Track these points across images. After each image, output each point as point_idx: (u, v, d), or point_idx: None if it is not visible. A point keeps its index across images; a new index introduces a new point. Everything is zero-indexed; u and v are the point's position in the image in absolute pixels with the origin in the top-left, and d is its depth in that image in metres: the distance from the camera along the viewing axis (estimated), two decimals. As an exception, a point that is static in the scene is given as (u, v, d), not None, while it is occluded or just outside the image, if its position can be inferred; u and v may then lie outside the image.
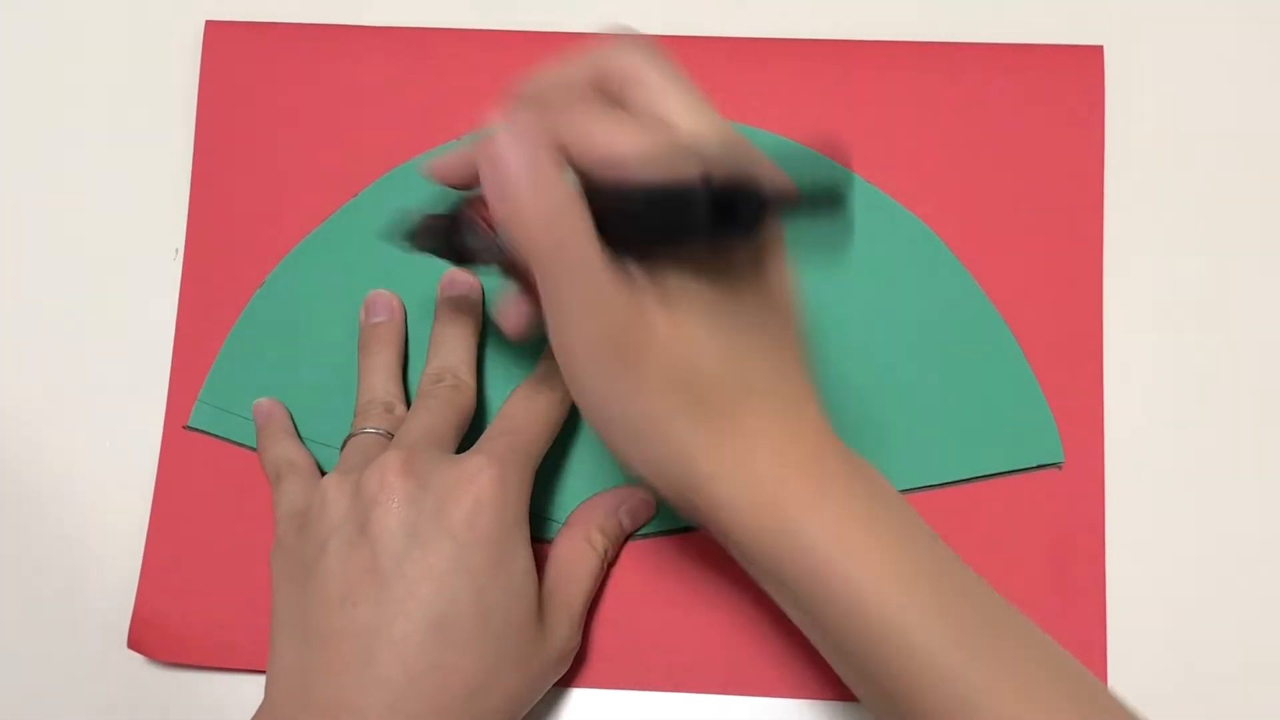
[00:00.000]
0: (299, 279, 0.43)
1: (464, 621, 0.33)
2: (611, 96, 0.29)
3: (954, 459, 0.40)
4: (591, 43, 0.31)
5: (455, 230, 0.34)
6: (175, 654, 0.40)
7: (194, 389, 0.42)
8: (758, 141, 0.43)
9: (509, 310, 0.36)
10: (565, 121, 0.28)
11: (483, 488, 0.34)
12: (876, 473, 0.32)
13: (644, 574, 0.40)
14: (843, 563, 0.29)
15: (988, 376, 0.41)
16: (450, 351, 0.39)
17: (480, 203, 0.33)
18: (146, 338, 0.43)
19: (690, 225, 0.26)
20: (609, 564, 0.40)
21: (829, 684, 0.39)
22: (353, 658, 0.32)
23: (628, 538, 0.40)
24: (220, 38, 0.44)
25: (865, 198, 0.42)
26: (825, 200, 0.26)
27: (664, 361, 0.29)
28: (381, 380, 0.40)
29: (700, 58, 0.43)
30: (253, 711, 0.34)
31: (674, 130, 0.28)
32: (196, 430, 0.42)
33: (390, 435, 0.38)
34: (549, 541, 0.40)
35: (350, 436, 0.39)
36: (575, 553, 0.38)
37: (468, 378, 0.39)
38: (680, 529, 0.41)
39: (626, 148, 0.27)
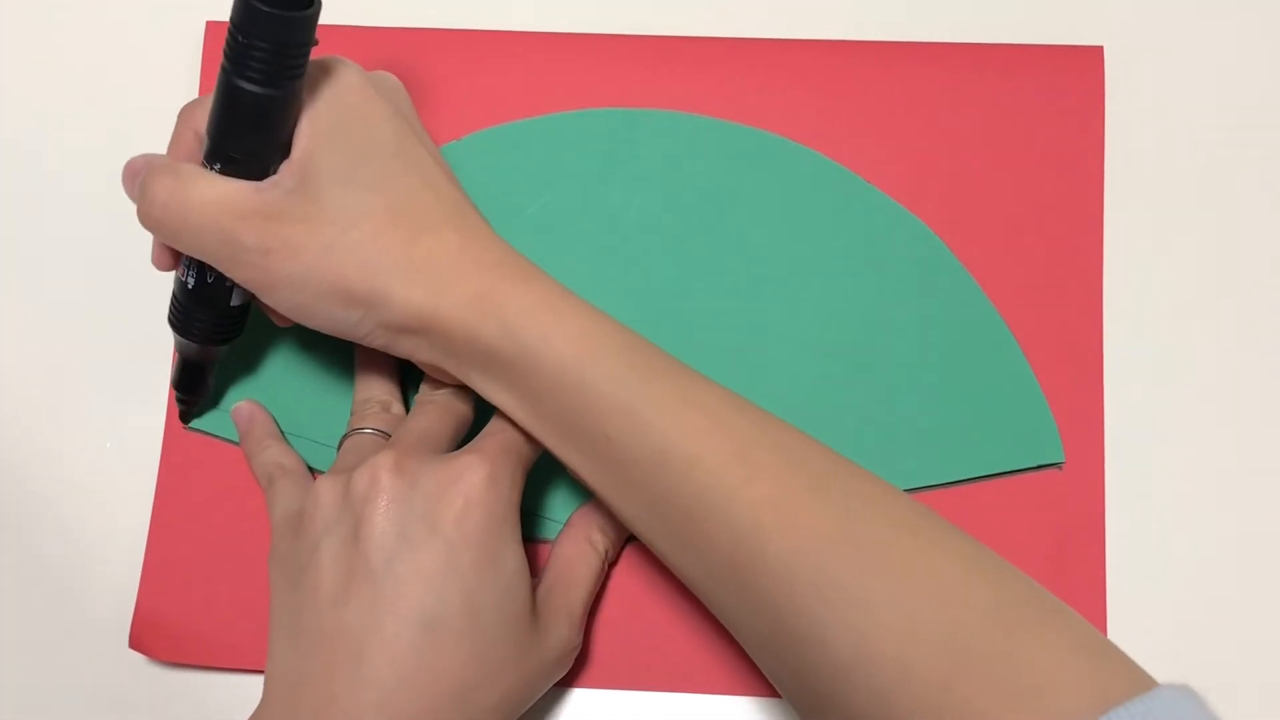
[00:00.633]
0: (299, 279, 0.43)
1: (454, 621, 0.33)
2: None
3: (954, 459, 0.40)
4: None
5: (200, 284, 0.37)
6: (176, 654, 0.40)
7: (194, 389, 0.42)
8: (758, 141, 0.43)
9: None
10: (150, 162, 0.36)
11: (473, 487, 0.34)
12: None
13: (644, 574, 0.40)
14: (543, 332, 0.33)
15: (988, 376, 0.41)
16: None
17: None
18: (146, 338, 0.43)
19: (247, 112, 0.33)
20: (610, 564, 0.40)
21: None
22: (344, 657, 0.32)
23: (629, 538, 0.40)
24: (220, 38, 0.44)
25: (865, 198, 0.42)
26: None
27: (339, 231, 0.33)
28: (379, 379, 0.40)
29: (700, 58, 0.43)
30: (251, 712, 0.34)
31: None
32: (197, 430, 0.42)
33: (387, 435, 0.38)
34: (549, 541, 0.40)
35: (347, 436, 0.39)
36: (576, 553, 0.38)
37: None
38: (680, 529, 0.41)
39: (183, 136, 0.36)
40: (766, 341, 0.41)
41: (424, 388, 0.39)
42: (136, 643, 0.40)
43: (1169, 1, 0.44)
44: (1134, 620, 0.39)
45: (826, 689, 0.30)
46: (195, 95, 0.44)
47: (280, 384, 0.42)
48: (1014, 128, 0.43)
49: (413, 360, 0.36)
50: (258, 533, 0.41)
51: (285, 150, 0.34)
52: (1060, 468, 0.40)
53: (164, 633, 0.40)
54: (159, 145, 0.44)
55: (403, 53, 0.44)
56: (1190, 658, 0.39)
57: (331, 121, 0.34)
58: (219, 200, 0.33)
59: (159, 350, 0.43)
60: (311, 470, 0.40)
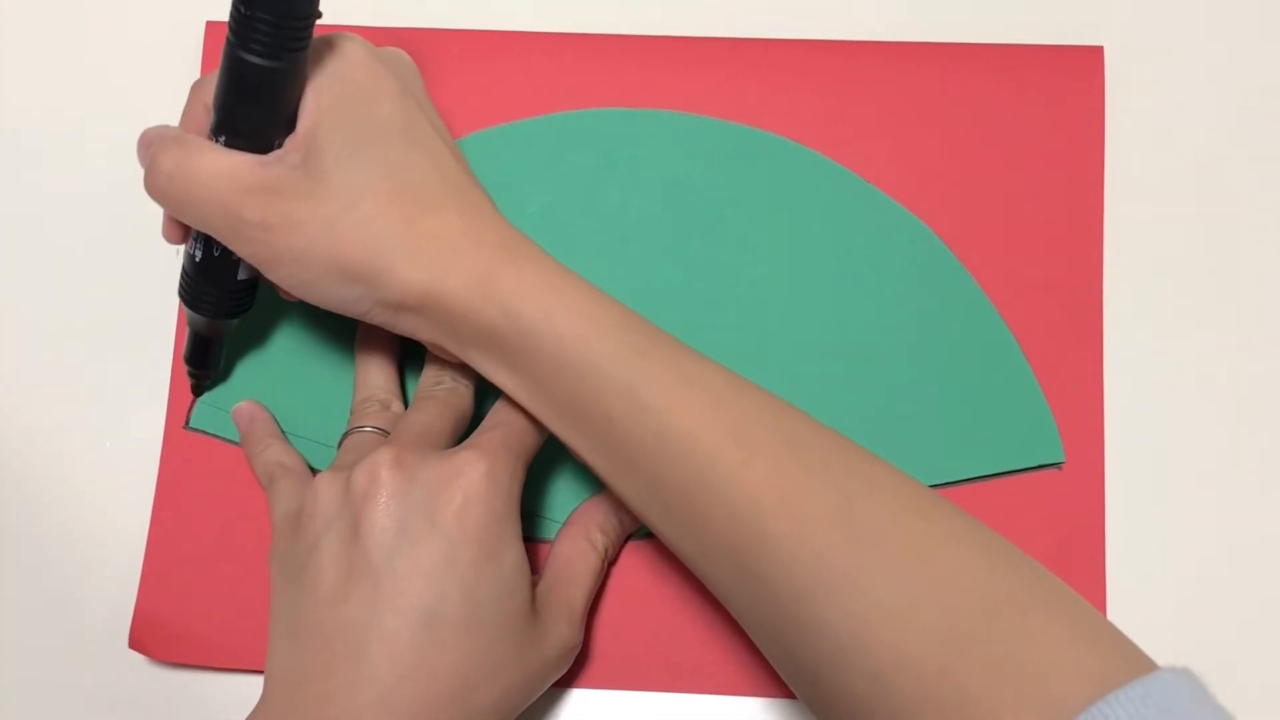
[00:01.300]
0: (299, 279, 0.43)
1: (453, 617, 0.33)
2: None
3: (954, 459, 0.40)
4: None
5: (207, 257, 0.37)
6: (175, 654, 0.40)
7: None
8: (758, 141, 0.43)
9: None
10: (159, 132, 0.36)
11: (472, 483, 0.34)
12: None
13: (644, 574, 0.40)
14: (544, 312, 0.33)
15: (988, 376, 0.41)
16: None
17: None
18: (146, 338, 0.43)
19: (253, 82, 0.33)
20: (610, 563, 0.40)
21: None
22: (343, 654, 0.32)
23: (628, 537, 0.40)
24: (221, 38, 0.44)
25: (865, 198, 0.42)
26: None
27: (341, 208, 0.33)
28: (378, 377, 0.40)
29: (700, 58, 0.43)
30: (251, 710, 0.34)
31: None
32: (197, 430, 0.42)
33: (386, 433, 0.38)
34: (549, 541, 0.40)
35: (347, 434, 0.39)
36: (576, 551, 0.38)
37: (466, 379, 0.39)
38: (680, 529, 0.41)
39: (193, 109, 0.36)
40: (766, 341, 0.41)
41: (423, 383, 0.39)
42: (136, 643, 0.40)
43: (1169, 1, 0.44)
44: (1134, 620, 0.39)
45: (825, 672, 0.30)
46: (195, 95, 0.44)
47: (280, 384, 0.42)
48: (1014, 128, 0.43)
49: (414, 338, 0.36)
50: (257, 533, 0.41)
51: (290, 124, 0.34)
52: (1060, 468, 0.40)
53: (164, 633, 0.40)
54: (159, 145, 0.44)
55: (403, 53, 0.44)
56: (1190, 657, 0.39)
57: (336, 96, 0.34)
58: (223, 173, 0.33)
59: (159, 350, 0.42)
60: (312, 470, 0.40)
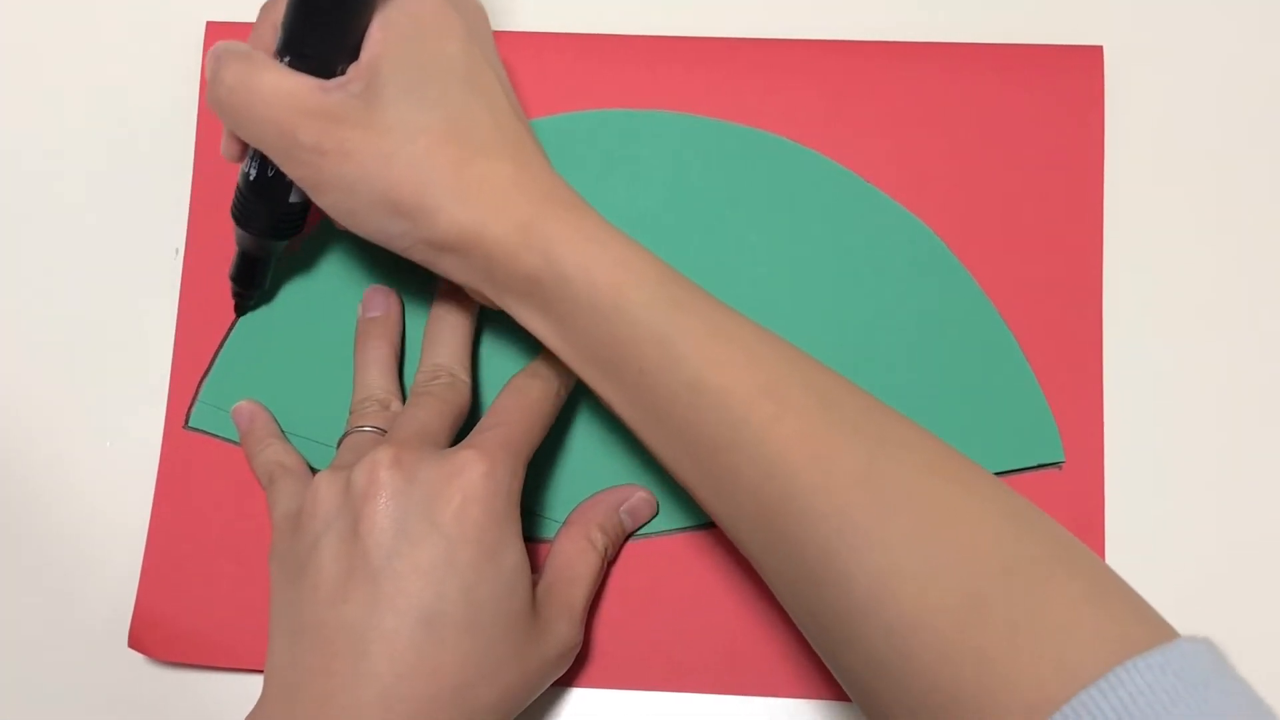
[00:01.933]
0: (299, 278, 0.43)
1: (453, 616, 0.33)
2: None
3: (954, 459, 0.40)
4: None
5: (262, 176, 0.38)
6: (175, 654, 0.40)
7: (194, 388, 0.42)
8: (758, 141, 0.43)
9: None
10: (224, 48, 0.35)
11: (472, 482, 0.34)
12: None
13: (644, 574, 0.40)
14: (583, 261, 0.33)
15: (988, 376, 0.41)
16: (445, 347, 0.39)
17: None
18: (146, 338, 0.43)
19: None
20: (609, 562, 0.40)
21: (829, 684, 0.39)
22: (343, 653, 0.32)
23: (628, 537, 0.40)
24: (221, 38, 0.44)
25: (865, 198, 0.42)
26: None
27: (395, 143, 0.34)
28: (377, 377, 0.40)
29: (700, 58, 0.43)
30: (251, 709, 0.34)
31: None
32: (197, 430, 0.42)
33: (385, 433, 0.38)
34: (548, 540, 0.40)
35: (346, 434, 0.39)
36: (576, 550, 0.38)
37: (463, 374, 0.39)
38: (680, 529, 0.41)
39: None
40: (766, 341, 0.41)
41: (419, 378, 0.39)
42: (136, 642, 0.40)
43: (1169, 1, 0.44)
44: (1134, 620, 0.39)
45: (845, 631, 0.30)
46: (195, 96, 0.44)
47: (280, 384, 0.42)
48: (1014, 128, 0.43)
49: (452, 279, 0.36)
50: (257, 533, 0.41)
51: (354, 53, 0.34)
52: (1060, 468, 0.40)
53: (163, 632, 0.40)
54: (160, 145, 0.44)
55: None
56: (1190, 658, 0.39)
57: (403, 31, 0.34)
58: (283, 93, 0.34)
59: (159, 350, 0.43)
60: (312, 470, 0.40)
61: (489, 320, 0.42)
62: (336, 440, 0.40)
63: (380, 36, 0.34)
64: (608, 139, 0.43)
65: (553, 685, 0.37)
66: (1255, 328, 0.42)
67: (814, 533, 0.30)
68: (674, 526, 0.41)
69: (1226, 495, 0.41)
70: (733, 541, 0.34)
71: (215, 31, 0.44)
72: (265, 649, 0.35)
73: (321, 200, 0.35)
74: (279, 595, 0.35)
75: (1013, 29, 0.44)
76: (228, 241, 0.43)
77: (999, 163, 0.42)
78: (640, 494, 0.40)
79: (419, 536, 0.33)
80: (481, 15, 0.38)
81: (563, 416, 0.41)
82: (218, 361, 0.42)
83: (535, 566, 0.37)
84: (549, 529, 0.40)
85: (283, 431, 0.41)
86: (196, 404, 0.42)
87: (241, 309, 0.42)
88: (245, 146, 0.38)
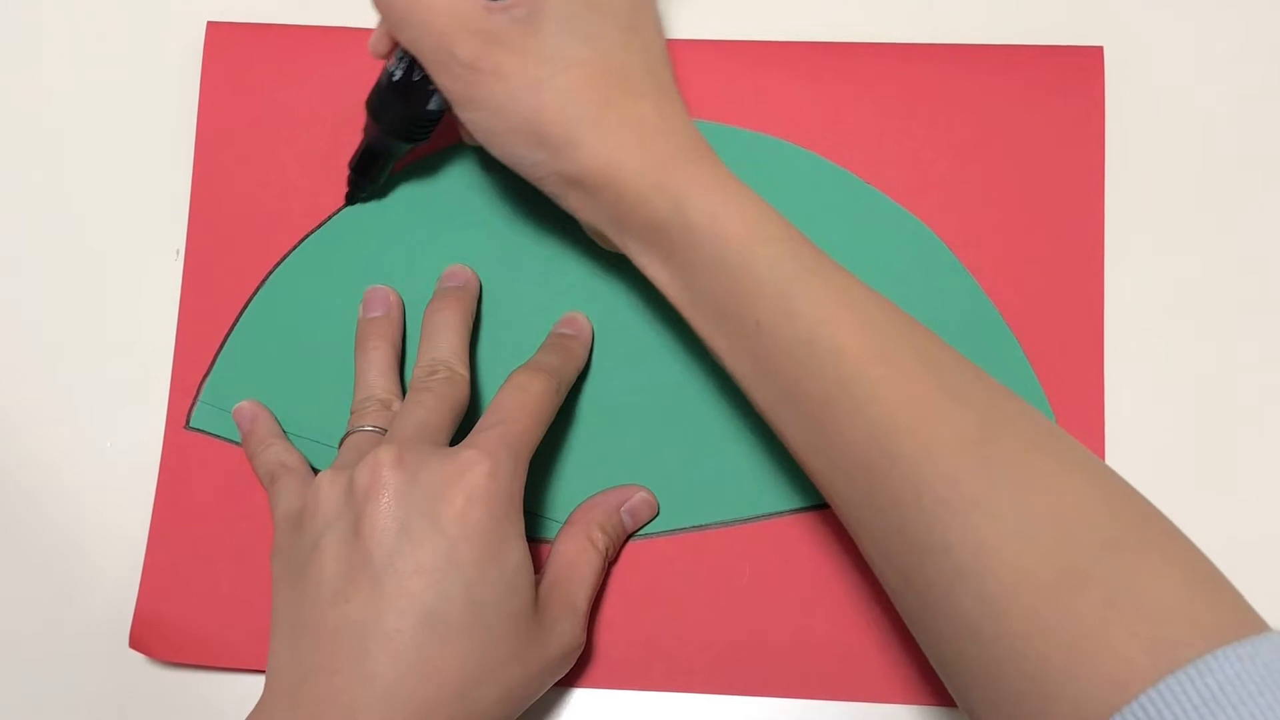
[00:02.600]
0: (299, 279, 0.43)
1: (455, 616, 0.33)
2: None
3: (954, 459, 0.40)
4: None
5: (406, 79, 0.38)
6: (176, 654, 0.40)
7: (194, 389, 0.42)
8: (758, 144, 0.43)
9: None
10: None
11: (474, 482, 0.34)
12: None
13: (644, 574, 0.40)
14: (713, 213, 0.34)
15: (988, 376, 0.41)
16: (443, 342, 0.39)
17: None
18: (146, 338, 0.43)
19: None
20: (611, 562, 0.40)
21: (829, 684, 0.39)
22: (345, 653, 0.32)
23: (629, 537, 0.40)
24: (221, 39, 0.44)
25: (865, 198, 0.42)
26: None
27: (548, 73, 0.35)
28: (378, 377, 0.40)
29: (699, 60, 0.43)
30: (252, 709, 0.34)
31: None
32: (197, 430, 0.42)
33: (386, 432, 0.38)
34: (549, 541, 0.40)
35: (347, 434, 0.39)
36: (578, 550, 0.38)
37: (461, 369, 0.39)
38: (680, 529, 0.41)
39: None
40: (767, 341, 0.41)
41: (417, 373, 0.39)
42: (136, 643, 0.40)
43: (1169, 1, 0.44)
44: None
45: (938, 594, 0.30)
46: (195, 96, 0.44)
47: (281, 384, 0.42)
48: (1014, 128, 0.43)
49: (575, 215, 0.37)
50: (258, 533, 0.41)
51: None
52: (1060, 468, 0.40)
53: (164, 633, 0.40)
54: (161, 146, 0.44)
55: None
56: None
57: None
58: (450, 4, 0.35)
59: (159, 350, 0.43)
60: (314, 470, 0.40)
61: (487, 316, 0.42)
62: (337, 440, 0.40)
63: None
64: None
65: (553, 686, 0.37)
66: (1256, 328, 0.42)
67: (917, 496, 0.30)
68: (674, 527, 0.41)
69: (1226, 495, 0.41)
70: (827, 498, 0.34)
71: (215, 31, 0.44)
72: (266, 649, 0.35)
73: (466, 116, 0.36)
74: (281, 595, 0.35)
75: (1013, 29, 0.44)
76: (228, 241, 0.43)
77: (999, 163, 0.42)
78: (641, 494, 0.40)
79: (421, 536, 0.33)
80: None
81: (563, 417, 0.41)
82: (218, 362, 0.42)
83: (536, 567, 0.37)
84: (550, 529, 0.40)
85: (284, 432, 0.41)
86: (197, 404, 0.42)
87: (352, 199, 0.43)
88: (394, 47, 0.38)
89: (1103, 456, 0.40)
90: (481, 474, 0.34)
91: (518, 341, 0.41)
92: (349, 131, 0.43)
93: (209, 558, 0.41)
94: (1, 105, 0.45)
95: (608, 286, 0.42)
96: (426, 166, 0.43)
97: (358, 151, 0.41)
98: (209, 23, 0.44)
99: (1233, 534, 0.40)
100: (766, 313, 0.33)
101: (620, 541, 0.40)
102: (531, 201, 0.43)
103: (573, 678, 0.39)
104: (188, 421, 0.42)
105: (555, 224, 0.42)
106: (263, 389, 0.42)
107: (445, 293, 0.41)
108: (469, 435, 0.36)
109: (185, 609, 0.40)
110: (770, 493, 0.41)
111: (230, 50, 0.44)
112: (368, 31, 0.44)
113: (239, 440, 0.41)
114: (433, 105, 0.39)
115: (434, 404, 0.37)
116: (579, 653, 0.37)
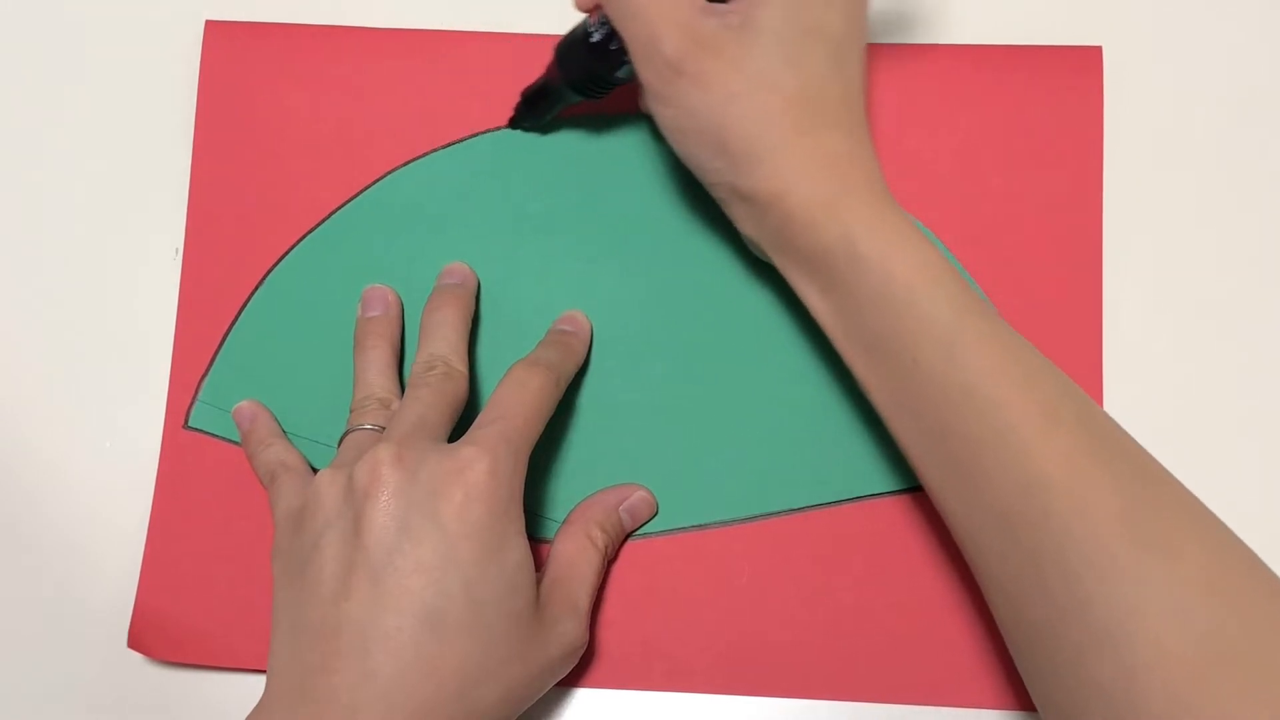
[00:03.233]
0: (299, 279, 0.43)
1: (456, 614, 0.33)
2: None
3: (954, 459, 0.40)
4: None
5: (602, 45, 0.37)
6: (175, 654, 0.40)
7: (193, 388, 0.42)
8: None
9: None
10: None
11: (474, 480, 0.34)
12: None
13: (644, 574, 0.40)
14: (882, 250, 0.33)
15: (988, 376, 0.41)
16: (441, 339, 0.39)
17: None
18: (146, 338, 0.43)
19: None
20: (610, 561, 0.40)
21: (829, 684, 0.39)
22: (345, 652, 0.32)
23: (628, 536, 0.40)
24: (220, 38, 0.44)
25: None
26: None
27: (748, 88, 0.34)
28: (377, 376, 0.40)
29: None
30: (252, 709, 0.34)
31: None
32: (197, 430, 0.42)
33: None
34: (549, 540, 0.40)
35: (346, 433, 0.39)
36: (577, 548, 0.38)
37: (459, 365, 0.39)
38: (679, 528, 0.41)
39: None
40: (767, 340, 0.41)
41: (415, 369, 0.38)
42: (136, 642, 0.40)
43: (1169, 1, 0.44)
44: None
45: (1068, 657, 0.30)
46: (194, 94, 0.44)
47: (280, 384, 0.42)
48: (1014, 128, 0.43)
49: (738, 226, 0.37)
50: (257, 532, 0.41)
51: None
52: (1060, 467, 0.40)
53: (163, 632, 0.40)
54: (159, 145, 0.44)
55: (405, 54, 0.44)
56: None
57: None
58: None
59: (159, 350, 0.42)
60: (313, 470, 0.40)
61: (486, 314, 0.42)
62: (336, 440, 0.40)
63: None
64: (610, 141, 0.43)
65: (553, 685, 0.37)
66: (1255, 327, 0.42)
67: (1061, 553, 0.30)
68: (673, 526, 0.41)
69: (1226, 495, 0.41)
70: (960, 543, 0.34)
71: (215, 31, 0.44)
72: (265, 649, 0.35)
73: (657, 109, 0.36)
74: (281, 593, 0.35)
75: (1012, 29, 0.44)
76: (227, 241, 0.43)
77: (999, 163, 0.42)
78: (639, 493, 0.40)
79: (421, 534, 0.33)
80: None
81: (562, 416, 0.41)
82: (217, 361, 0.42)
83: (536, 566, 0.37)
84: (549, 529, 0.40)
85: (284, 431, 0.41)
86: (196, 404, 0.42)
87: (514, 124, 0.43)
88: (598, 9, 0.38)
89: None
90: (481, 471, 0.34)
91: (516, 340, 0.41)
92: (348, 131, 0.43)
93: (208, 557, 0.41)
94: (1, 105, 0.45)
95: (607, 285, 0.42)
96: (426, 166, 0.43)
97: (534, 85, 0.41)
98: (207, 21, 0.44)
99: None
100: (926, 353, 0.33)
101: (619, 540, 0.40)
102: (532, 202, 0.43)
103: (573, 678, 0.39)
104: (187, 421, 0.42)
105: (555, 223, 0.42)
106: (262, 388, 0.42)
107: (443, 290, 0.41)
108: (468, 431, 0.36)
109: (184, 608, 0.40)
110: (770, 492, 0.41)
111: (229, 49, 0.44)
112: (368, 31, 0.44)
113: (238, 440, 0.41)
114: (620, 74, 0.38)
115: (432, 399, 0.37)
116: (581, 652, 0.37)
